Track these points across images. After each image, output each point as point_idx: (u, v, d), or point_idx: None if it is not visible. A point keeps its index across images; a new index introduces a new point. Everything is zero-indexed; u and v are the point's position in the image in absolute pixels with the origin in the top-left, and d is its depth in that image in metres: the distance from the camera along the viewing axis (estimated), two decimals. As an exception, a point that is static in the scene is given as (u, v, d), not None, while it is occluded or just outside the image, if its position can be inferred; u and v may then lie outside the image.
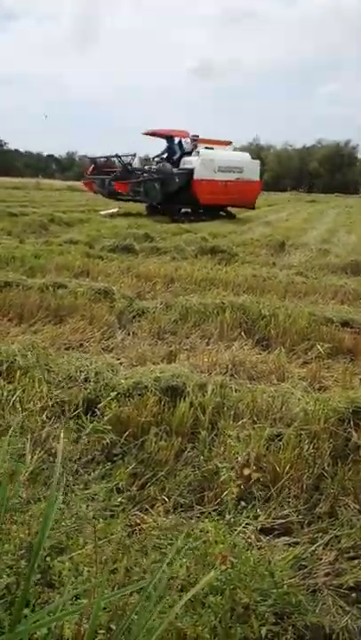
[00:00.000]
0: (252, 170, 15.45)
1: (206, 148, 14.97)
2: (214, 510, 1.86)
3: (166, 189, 14.08)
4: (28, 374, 2.72)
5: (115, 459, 2.13)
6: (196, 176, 14.27)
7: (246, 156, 16.21)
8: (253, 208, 16.42)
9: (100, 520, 1.50)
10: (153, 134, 15.34)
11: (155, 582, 0.79)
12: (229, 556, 1.25)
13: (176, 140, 15.07)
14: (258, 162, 15.75)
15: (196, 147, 14.94)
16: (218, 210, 15.25)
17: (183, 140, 15.17)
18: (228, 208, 15.59)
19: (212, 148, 15.10)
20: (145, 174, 14.34)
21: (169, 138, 14.97)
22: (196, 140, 15.15)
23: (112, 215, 14.02)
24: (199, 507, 1.91)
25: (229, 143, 16.30)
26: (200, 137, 15.28)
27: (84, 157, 15.93)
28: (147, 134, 15.39)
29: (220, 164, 14.58)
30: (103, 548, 1.36)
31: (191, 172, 14.09)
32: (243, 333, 3.93)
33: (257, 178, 15.50)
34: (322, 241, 10.63)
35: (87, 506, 1.64)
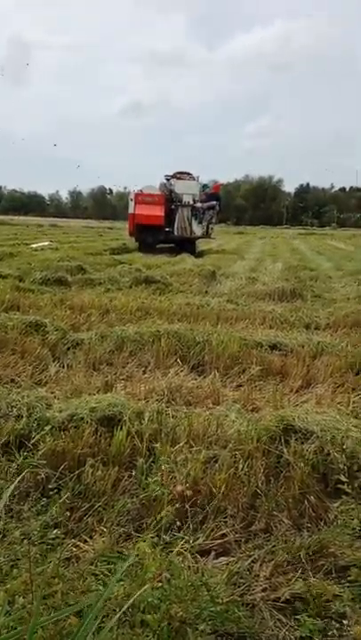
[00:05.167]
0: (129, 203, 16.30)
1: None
2: (153, 537, 1.85)
3: None
4: None
5: (50, 493, 2.07)
6: None
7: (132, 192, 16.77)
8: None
9: (36, 551, 1.46)
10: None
11: (90, 603, 0.79)
12: (165, 573, 1.26)
13: None
14: (130, 194, 16.59)
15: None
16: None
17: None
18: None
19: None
20: None
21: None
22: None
23: (43, 248, 13.86)
24: (138, 534, 1.90)
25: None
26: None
27: None
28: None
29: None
30: (39, 577, 1.32)
31: None
32: (178, 360, 3.99)
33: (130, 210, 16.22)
34: (250, 269, 11.15)
35: (22, 540, 1.58)
